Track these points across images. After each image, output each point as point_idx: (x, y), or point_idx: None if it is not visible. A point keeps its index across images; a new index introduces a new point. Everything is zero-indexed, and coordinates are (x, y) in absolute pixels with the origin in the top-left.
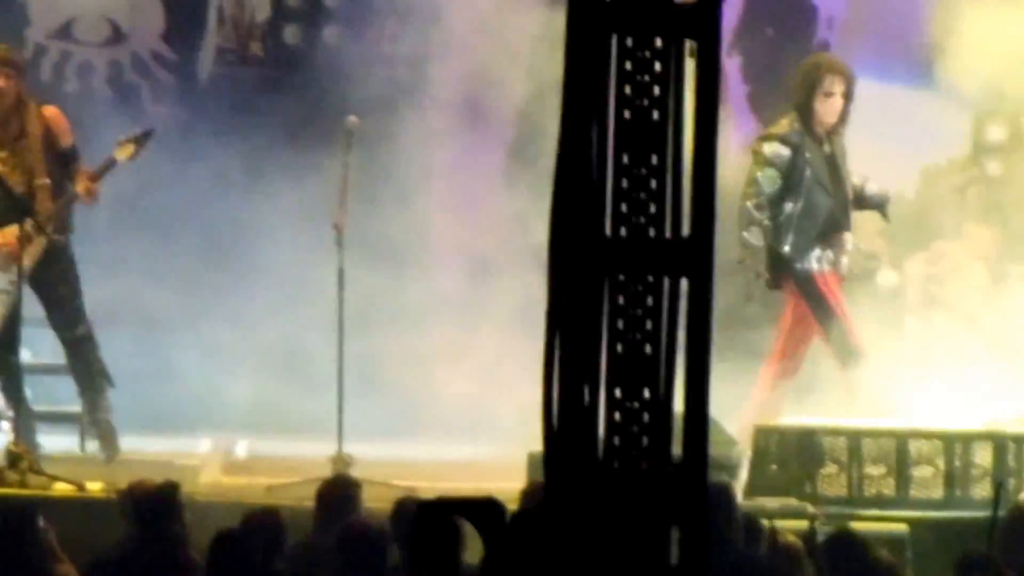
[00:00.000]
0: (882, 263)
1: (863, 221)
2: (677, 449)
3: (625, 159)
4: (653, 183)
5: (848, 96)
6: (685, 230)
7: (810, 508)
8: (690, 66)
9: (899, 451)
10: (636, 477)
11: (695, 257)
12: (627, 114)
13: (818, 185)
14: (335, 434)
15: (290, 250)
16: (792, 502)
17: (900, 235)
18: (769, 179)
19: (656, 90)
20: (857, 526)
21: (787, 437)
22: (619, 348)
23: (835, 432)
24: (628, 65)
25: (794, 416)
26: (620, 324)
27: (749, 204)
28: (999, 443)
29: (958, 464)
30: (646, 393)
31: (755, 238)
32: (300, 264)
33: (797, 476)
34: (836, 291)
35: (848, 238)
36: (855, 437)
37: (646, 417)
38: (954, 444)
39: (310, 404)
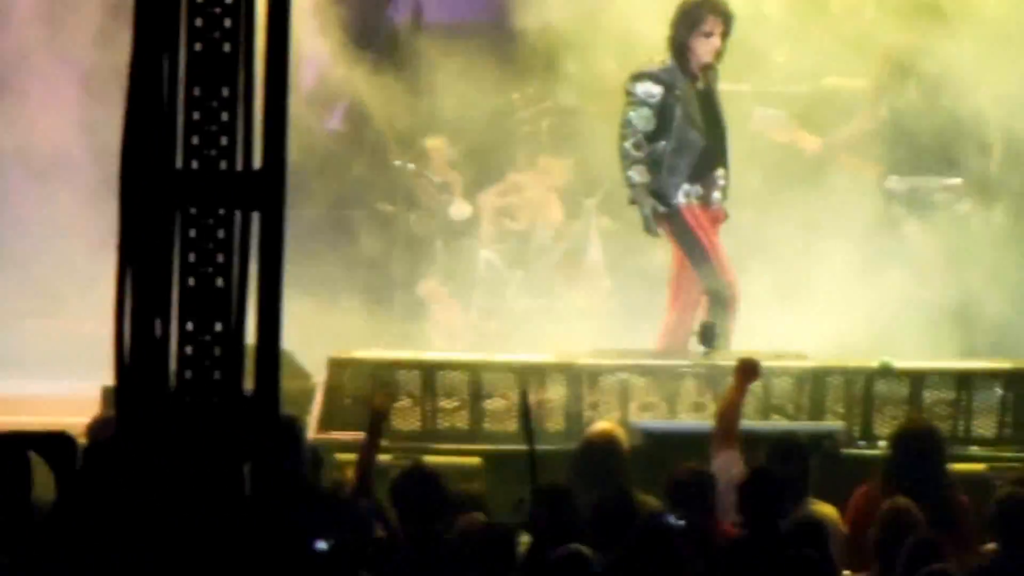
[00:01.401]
0: (455, 196)
1: (435, 152)
2: (251, 383)
3: (196, 92)
4: (224, 116)
5: (725, 35)
6: (256, 163)
7: (384, 442)
8: (261, 1)
9: (472, 384)
10: (208, 411)
11: (266, 190)
12: (198, 46)
13: (690, 123)
14: None
15: None
16: (364, 437)
17: (473, 167)
18: (643, 118)
19: (227, 22)
20: (432, 460)
21: (361, 370)
22: (191, 281)
23: (409, 365)
24: None
25: (369, 349)
26: (192, 257)
27: (627, 144)
28: (572, 375)
29: (532, 397)
30: (218, 326)
31: (639, 175)
32: None
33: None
34: (705, 224)
35: (721, 174)
36: (429, 370)
37: (218, 350)
38: (528, 377)
39: None
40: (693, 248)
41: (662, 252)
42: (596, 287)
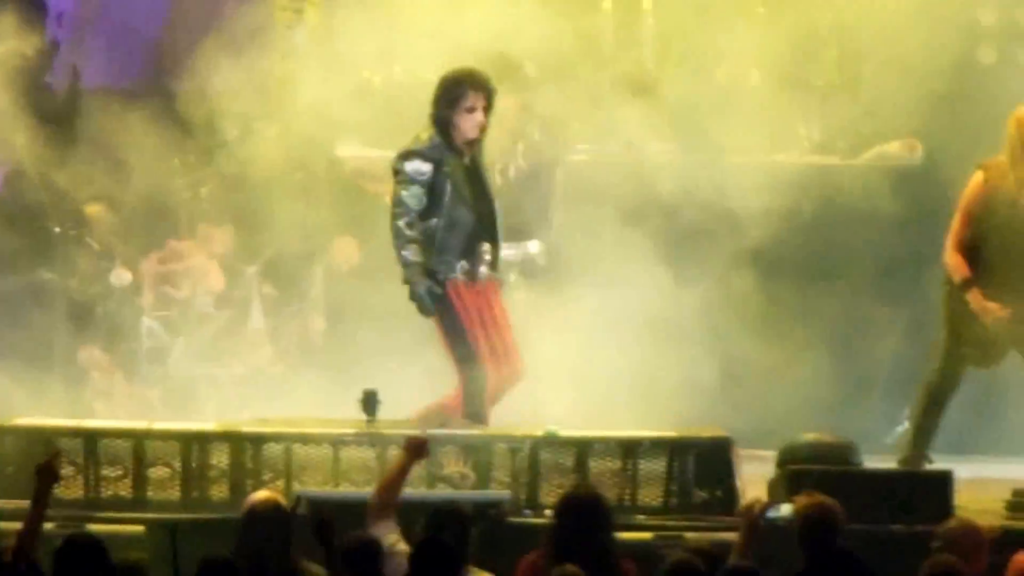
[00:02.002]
0: (116, 263)
1: (95, 218)
2: None
3: None
4: None
5: (488, 109)
6: None
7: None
8: None
9: (136, 452)
10: None
11: None
12: None
13: (459, 200)
14: None
15: None
16: (27, 504)
17: (134, 234)
18: (414, 196)
19: None
20: (96, 528)
21: (22, 438)
22: None
23: (71, 433)
24: None
25: (31, 417)
26: None
27: (400, 223)
28: (236, 444)
29: (195, 465)
30: None
31: (413, 255)
32: None
33: (33, 478)
34: (467, 300)
35: (486, 248)
36: (91, 438)
37: None
38: (191, 445)
39: None
40: (452, 325)
41: (322, 319)
42: (258, 354)
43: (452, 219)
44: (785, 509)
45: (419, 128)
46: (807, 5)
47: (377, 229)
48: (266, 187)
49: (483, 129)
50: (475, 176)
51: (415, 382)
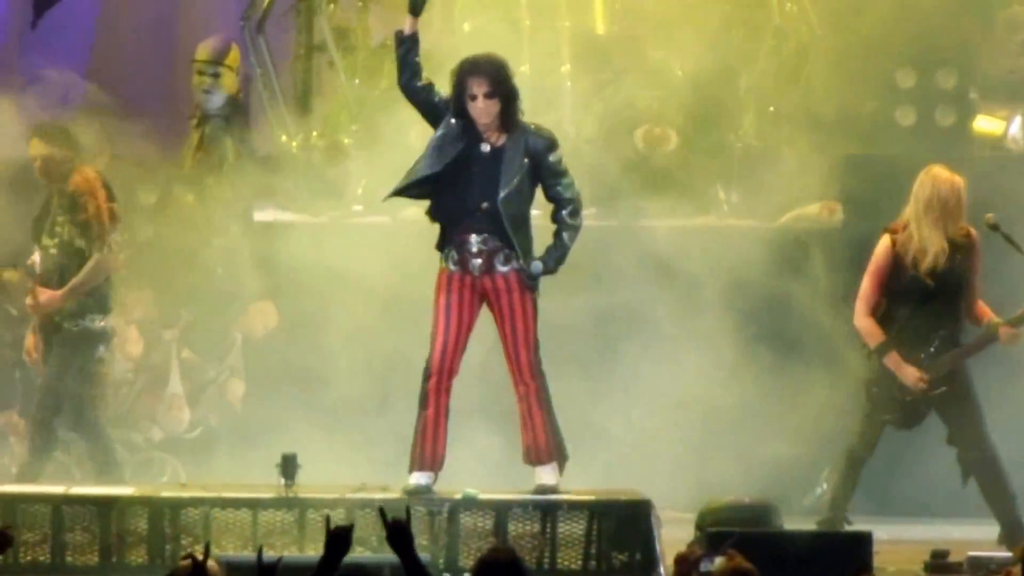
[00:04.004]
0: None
1: (13, 284)
2: None
3: None
4: None
5: (497, 95)
6: None
7: None
8: None
9: (54, 517)
10: None
11: None
12: None
13: (466, 183)
14: None
15: None
16: None
17: None
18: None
19: None
20: None
21: None
22: None
23: None
24: None
25: None
26: None
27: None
28: (155, 509)
29: (114, 530)
30: None
31: None
32: None
33: None
34: (453, 292)
35: (474, 241)
36: (10, 503)
37: None
38: (109, 510)
39: None
40: (433, 318)
41: (241, 384)
42: (177, 419)
43: (444, 198)
44: (719, 562)
45: None
46: (725, 68)
47: (295, 294)
48: (181, 253)
49: (495, 115)
50: (490, 165)
51: (334, 446)
